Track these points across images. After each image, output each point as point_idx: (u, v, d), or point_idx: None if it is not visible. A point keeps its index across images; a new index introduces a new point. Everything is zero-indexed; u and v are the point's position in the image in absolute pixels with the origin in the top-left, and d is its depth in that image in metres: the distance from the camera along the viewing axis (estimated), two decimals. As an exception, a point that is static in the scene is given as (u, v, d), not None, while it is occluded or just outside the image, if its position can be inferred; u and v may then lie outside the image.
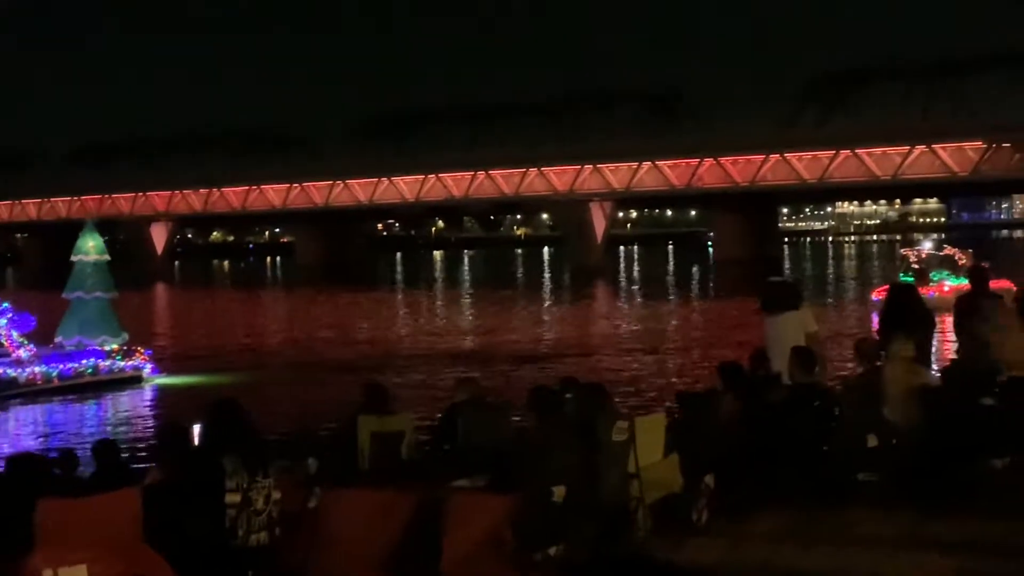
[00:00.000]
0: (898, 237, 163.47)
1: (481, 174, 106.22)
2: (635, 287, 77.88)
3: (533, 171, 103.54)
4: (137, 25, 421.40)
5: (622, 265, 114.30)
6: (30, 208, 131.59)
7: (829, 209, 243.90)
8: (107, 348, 30.54)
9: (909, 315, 13.54)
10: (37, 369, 28.78)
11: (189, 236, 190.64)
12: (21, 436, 24.57)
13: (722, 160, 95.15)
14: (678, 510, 9.16)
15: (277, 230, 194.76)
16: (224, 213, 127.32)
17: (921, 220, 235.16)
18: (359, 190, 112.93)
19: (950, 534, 8.57)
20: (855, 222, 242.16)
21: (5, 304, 29.47)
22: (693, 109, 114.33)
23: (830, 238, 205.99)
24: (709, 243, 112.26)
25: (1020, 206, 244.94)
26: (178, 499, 7.75)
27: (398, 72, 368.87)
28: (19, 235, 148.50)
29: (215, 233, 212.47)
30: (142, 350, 31.47)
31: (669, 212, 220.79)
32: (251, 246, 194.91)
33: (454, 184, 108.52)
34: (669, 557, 8.05)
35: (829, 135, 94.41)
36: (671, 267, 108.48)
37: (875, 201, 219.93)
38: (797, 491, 9.65)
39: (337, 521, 7.70)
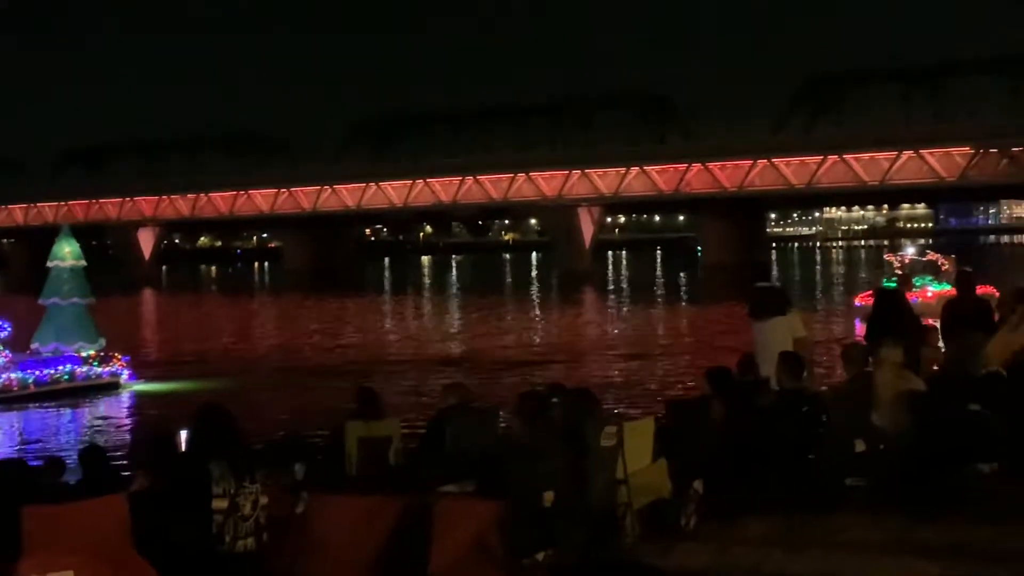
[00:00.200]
0: (886, 242, 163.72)
1: (469, 179, 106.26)
2: (623, 292, 77.92)
3: (521, 176, 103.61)
4: (125, 29, 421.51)
5: (610, 270, 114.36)
6: (17, 213, 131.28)
7: (817, 214, 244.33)
8: (84, 354, 30.31)
9: (897, 320, 13.56)
10: (13, 375, 28.60)
11: (177, 241, 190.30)
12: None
13: (710, 165, 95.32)
14: (666, 515, 9.15)
15: (265, 235, 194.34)
16: (212, 218, 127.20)
17: (909, 225, 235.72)
18: (347, 195, 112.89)
19: (938, 539, 8.57)
20: (843, 227, 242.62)
21: None
22: (681, 115, 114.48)
23: (818, 243, 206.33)
24: (698, 248, 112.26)
25: (1008, 211, 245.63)
26: (165, 505, 7.73)
27: (386, 77, 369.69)
28: (5, 240, 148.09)
29: (203, 238, 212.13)
30: (119, 356, 31.21)
31: (657, 217, 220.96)
32: (239, 251, 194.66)
33: (442, 189, 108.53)
34: (658, 562, 8.07)
35: (817, 140, 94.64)
36: (659, 272, 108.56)
37: (863, 206, 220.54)
38: (785, 496, 9.64)
39: (324, 527, 7.68)
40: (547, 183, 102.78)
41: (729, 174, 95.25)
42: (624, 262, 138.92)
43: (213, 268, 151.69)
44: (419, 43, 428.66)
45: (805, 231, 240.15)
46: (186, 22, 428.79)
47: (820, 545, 8.61)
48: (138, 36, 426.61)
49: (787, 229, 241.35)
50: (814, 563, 8.24)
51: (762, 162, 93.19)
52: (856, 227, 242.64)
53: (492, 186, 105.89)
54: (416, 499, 7.72)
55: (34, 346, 30.63)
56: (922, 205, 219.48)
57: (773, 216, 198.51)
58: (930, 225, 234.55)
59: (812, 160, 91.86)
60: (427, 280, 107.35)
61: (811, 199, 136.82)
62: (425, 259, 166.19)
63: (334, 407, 21.27)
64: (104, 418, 27.08)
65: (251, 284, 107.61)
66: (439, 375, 30.56)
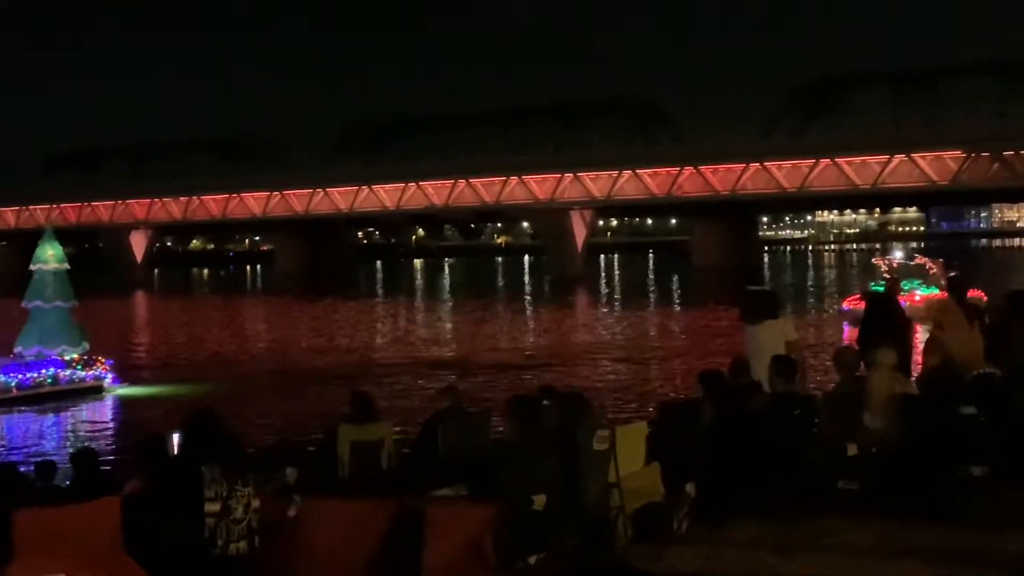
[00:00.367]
0: (877, 246, 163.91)
1: (462, 182, 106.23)
2: (615, 296, 77.94)
3: (514, 179, 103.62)
4: (124, 30, 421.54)
5: (602, 274, 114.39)
6: (8, 216, 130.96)
7: (809, 218, 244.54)
8: (67, 358, 30.19)
9: (888, 323, 13.58)
10: None
11: (169, 244, 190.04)
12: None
13: (702, 169, 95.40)
14: (658, 518, 9.16)
15: (257, 238, 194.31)
16: (204, 221, 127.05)
17: (900, 229, 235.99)
18: (339, 198, 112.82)
19: (929, 542, 8.59)
20: (835, 231, 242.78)
21: None
22: (673, 118, 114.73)
23: (810, 247, 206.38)
24: (690, 252, 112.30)
25: (999, 215, 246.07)
26: (157, 508, 7.72)
27: (379, 80, 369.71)
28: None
29: (195, 241, 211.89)
30: (103, 360, 31.08)
31: (649, 221, 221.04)
32: (231, 254, 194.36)
33: (434, 192, 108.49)
34: (650, 566, 8.08)
35: (808, 144, 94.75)
36: (651, 276, 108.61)
37: (855, 210, 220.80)
38: (777, 499, 9.65)
39: (317, 530, 7.68)
40: (539, 186, 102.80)
41: (721, 178, 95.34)
42: (616, 265, 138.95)
43: (205, 271, 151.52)
44: (400, 52, 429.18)
45: (797, 235, 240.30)
46: (169, 30, 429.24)
47: (812, 548, 8.63)
48: (136, 37, 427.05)
49: (779, 232, 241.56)
50: (805, 566, 8.25)
51: (754, 166, 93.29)
52: (848, 231, 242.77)
53: (484, 189, 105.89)
54: (409, 503, 7.72)
55: (17, 350, 30.51)
56: (914, 209, 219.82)
57: (765, 220, 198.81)
58: (922, 229, 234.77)
59: (804, 163, 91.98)
60: (419, 283, 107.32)
61: (803, 203, 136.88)
62: (417, 262, 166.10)
63: (326, 410, 21.28)
64: (86, 422, 27.01)
65: (243, 287, 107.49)
66: (431, 378, 30.54)
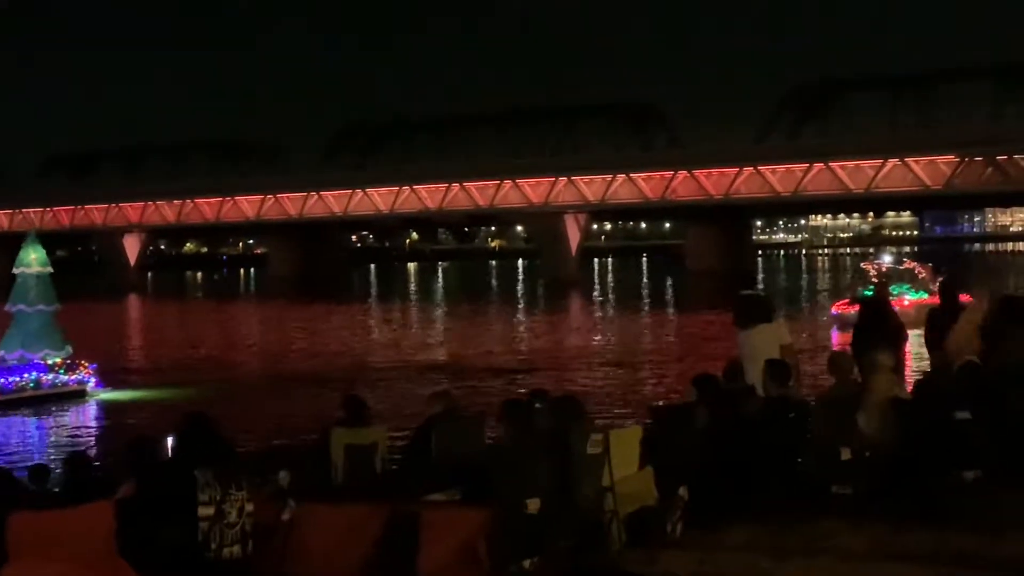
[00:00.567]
0: (871, 250, 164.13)
1: (455, 186, 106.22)
2: (609, 299, 77.96)
3: (507, 183, 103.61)
4: (123, 31, 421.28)
5: (596, 277, 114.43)
6: (1, 219, 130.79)
7: (803, 222, 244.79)
8: (50, 362, 30.01)
9: (883, 328, 13.60)
10: None
11: (162, 247, 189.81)
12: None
13: (696, 173, 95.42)
14: (652, 522, 9.16)
15: (251, 242, 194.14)
16: (197, 224, 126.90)
17: (894, 233, 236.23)
18: (333, 202, 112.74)
19: (922, 546, 8.60)
20: (828, 235, 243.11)
21: None
22: (667, 122, 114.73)
23: (803, 251, 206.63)
24: (683, 256, 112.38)
25: (992, 220, 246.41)
26: (151, 512, 7.71)
27: (372, 84, 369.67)
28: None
29: (188, 244, 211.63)
30: (86, 364, 30.84)
31: (643, 225, 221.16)
32: (224, 258, 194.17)
33: (428, 196, 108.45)
34: (643, 570, 8.08)
35: (802, 148, 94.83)
36: (645, 280, 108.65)
37: (848, 214, 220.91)
38: (771, 503, 9.67)
39: (311, 535, 7.68)
40: (533, 190, 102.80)
41: (715, 182, 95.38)
42: (610, 269, 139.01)
43: (199, 274, 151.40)
44: (394, 56, 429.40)
45: (791, 239, 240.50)
46: (162, 33, 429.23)
47: (805, 552, 8.63)
48: (136, 37, 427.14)
49: (773, 237, 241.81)
50: (799, 570, 8.26)
51: (748, 170, 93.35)
52: (841, 235, 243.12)
53: (478, 193, 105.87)
54: (403, 507, 7.72)
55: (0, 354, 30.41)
56: (907, 213, 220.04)
57: (759, 224, 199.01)
58: (915, 233, 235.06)
59: (798, 168, 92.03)
60: (413, 287, 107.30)
61: (797, 207, 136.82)
62: (411, 266, 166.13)
63: (319, 414, 21.26)
64: (68, 427, 26.91)
65: (236, 291, 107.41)
66: (425, 382, 30.54)
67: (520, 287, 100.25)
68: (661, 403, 22.16)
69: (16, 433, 26.19)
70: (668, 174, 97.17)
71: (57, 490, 9.83)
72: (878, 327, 13.74)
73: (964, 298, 15.17)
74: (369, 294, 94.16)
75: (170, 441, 9.11)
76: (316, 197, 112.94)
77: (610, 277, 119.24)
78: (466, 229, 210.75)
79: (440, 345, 45.10)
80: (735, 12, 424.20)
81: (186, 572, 7.50)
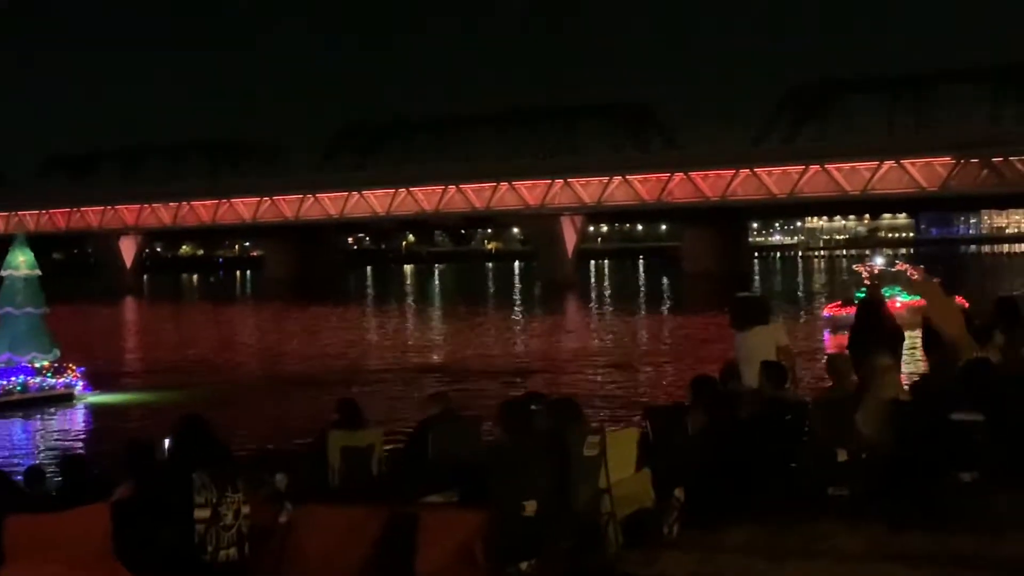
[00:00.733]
0: (867, 252, 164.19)
1: (452, 188, 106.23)
2: (606, 301, 77.96)
3: (504, 185, 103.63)
4: (121, 32, 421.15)
5: (593, 279, 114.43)
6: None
7: (799, 224, 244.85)
8: (37, 365, 29.91)
9: (879, 329, 13.60)
10: None
11: (159, 250, 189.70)
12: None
13: (692, 175, 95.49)
14: (648, 524, 9.16)
15: (247, 244, 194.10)
16: (193, 227, 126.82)
17: (890, 235, 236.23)
18: (329, 204, 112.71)
19: (919, 548, 8.59)
20: (824, 237, 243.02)
21: None
22: (663, 124, 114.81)
23: (799, 253, 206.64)
24: (680, 258, 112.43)
25: (988, 221, 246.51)
26: (147, 514, 7.70)
27: (372, 84, 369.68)
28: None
29: (184, 247, 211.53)
30: (74, 367, 30.72)
31: (640, 227, 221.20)
32: (220, 260, 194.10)
33: (424, 198, 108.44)
34: (640, 571, 8.08)
35: (798, 150, 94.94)
36: (641, 282, 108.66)
37: (844, 216, 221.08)
38: (768, 505, 9.66)
39: (308, 537, 7.67)
40: (530, 192, 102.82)
41: (711, 184, 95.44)
42: (607, 271, 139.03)
43: (195, 277, 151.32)
44: (390, 57, 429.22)
45: (787, 240, 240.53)
46: (159, 35, 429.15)
47: (802, 554, 8.63)
48: (135, 37, 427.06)
49: (769, 239, 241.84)
50: (797, 571, 8.26)
51: (744, 172, 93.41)
52: (837, 237, 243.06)
53: (475, 195, 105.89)
54: (400, 509, 7.71)
55: None
56: (903, 215, 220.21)
57: (755, 225, 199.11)
58: (911, 235, 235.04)
59: (794, 170, 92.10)
60: (410, 289, 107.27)
61: (793, 209, 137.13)
62: (408, 268, 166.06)
63: (315, 416, 21.23)
64: (55, 431, 26.83)
65: (232, 293, 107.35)
66: (422, 384, 30.53)
67: (516, 289, 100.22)
68: (659, 404, 22.17)
69: (2, 437, 26.11)
70: (664, 176, 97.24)
71: (54, 493, 9.82)
72: (874, 329, 13.74)
73: (956, 300, 15.23)
74: (365, 296, 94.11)
75: (167, 443, 9.09)
76: (312, 199, 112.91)
77: (607, 279, 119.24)
78: (462, 231, 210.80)
79: (436, 347, 45.10)
80: (735, 12, 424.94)
81: (182, 574, 7.49)
